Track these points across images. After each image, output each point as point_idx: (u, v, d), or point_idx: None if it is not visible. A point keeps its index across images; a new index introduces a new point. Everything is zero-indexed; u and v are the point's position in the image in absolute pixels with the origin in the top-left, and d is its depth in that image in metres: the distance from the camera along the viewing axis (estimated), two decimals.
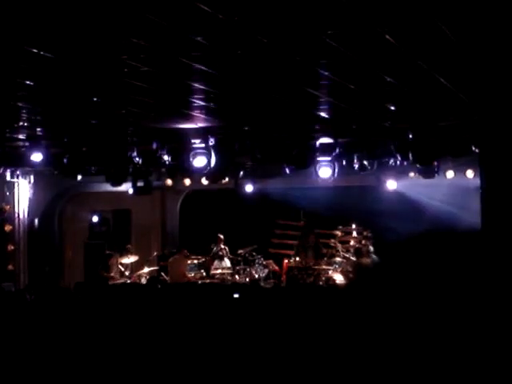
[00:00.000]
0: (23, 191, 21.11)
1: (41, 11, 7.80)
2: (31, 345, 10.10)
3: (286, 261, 20.26)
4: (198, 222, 22.57)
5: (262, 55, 9.73)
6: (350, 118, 14.85)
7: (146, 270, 20.53)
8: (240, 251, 20.72)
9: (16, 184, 20.87)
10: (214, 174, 18.78)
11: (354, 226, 21.09)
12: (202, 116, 14.43)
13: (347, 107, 13.48)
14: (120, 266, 20.70)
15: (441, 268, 1.61)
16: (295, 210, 21.37)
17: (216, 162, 16.05)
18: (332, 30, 8.59)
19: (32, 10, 7.72)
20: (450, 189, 19.02)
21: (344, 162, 16.74)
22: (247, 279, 19.96)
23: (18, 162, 17.81)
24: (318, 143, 16.17)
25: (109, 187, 18.81)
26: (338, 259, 19.91)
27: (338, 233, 21.01)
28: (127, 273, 20.70)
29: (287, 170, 17.06)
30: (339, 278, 18.88)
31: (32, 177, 21.00)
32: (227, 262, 20.88)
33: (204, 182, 20.22)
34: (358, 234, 20.97)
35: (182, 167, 17.40)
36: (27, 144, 16.62)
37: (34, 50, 9.22)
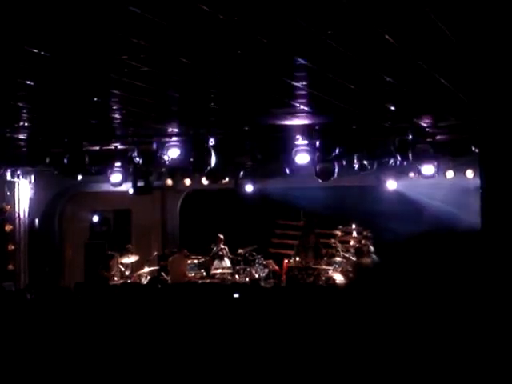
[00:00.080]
0: (24, 191, 21.12)
1: (41, 11, 7.80)
2: (31, 344, 10.11)
3: (286, 261, 20.27)
4: (198, 222, 22.58)
5: (262, 55, 9.74)
6: (350, 118, 14.85)
7: (147, 269, 20.55)
8: (240, 251, 20.73)
9: (16, 184, 20.88)
10: (214, 174, 18.79)
11: (353, 226, 21.10)
12: (202, 116, 14.44)
13: (347, 107, 13.49)
14: (120, 266, 20.71)
15: (441, 268, 1.61)
16: (295, 209, 21.38)
17: (216, 162, 16.08)
18: (332, 30, 8.60)
19: (32, 10, 7.73)
20: (450, 189, 19.03)
21: (344, 162, 16.74)
22: (247, 279, 19.97)
23: (19, 162, 17.82)
24: (317, 143, 16.10)
25: (109, 187, 18.82)
26: (337, 259, 19.92)
27: (338, 233, 21.02)
28: (127, 273, 20.71)
29: (287, 170, 17.07)
30: (339, 278, 18.89)
31: (32, 177, 21.01)
32: (227, 262, 20.89)
33: (204, 181, 20.22)
34: (357, 233, 20.98)
35: (182, 167, 17.48)
36: (27, 144, 16.63)
37: (34, 50, 9.23)
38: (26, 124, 15.06)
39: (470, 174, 18.40)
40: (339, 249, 20.39)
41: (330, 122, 15.30)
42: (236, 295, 14.80)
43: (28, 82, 11.20)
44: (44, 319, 11.67)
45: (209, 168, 16.53)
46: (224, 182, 20.32)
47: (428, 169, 15.92)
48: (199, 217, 22.74)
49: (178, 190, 22.92)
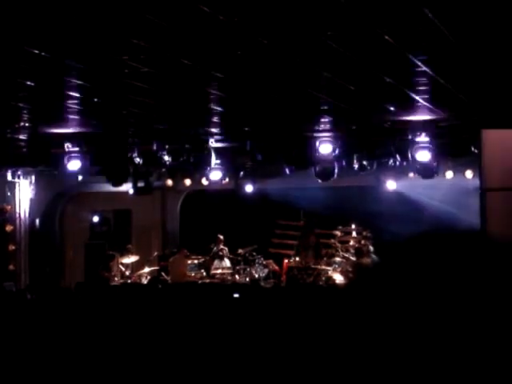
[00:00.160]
0: (24, 191, 21.13)
1: (41, 12, 7.82)
2: (32, 344, 10.12)
3: (286, 261, 20.27)
4: (198, 222, 22.58)
5: (262, 56, 9.76)
6: (350, 119, 14.87)
7: (147, 269, 20.56)
8: (240, 251, 20.73)
9: (17, 184, 20.89)
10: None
11: (353, 226, 21.10)
12: (203, 117, 14.46)
13: (347, 107, 13.50)
14: (121, 266, 20.72)
15: (441, 268, 1.62)
16: (295, 210, 21.38)
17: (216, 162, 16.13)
18: (332, 30, 8.61)
19: (33, 10, 7.75)
20: (449, 189, 19.05)
21: (344, 162, 16.76)
22: (247, 279, 19.98)
23: (19, 163, 17.84)
24: (317, 144, 16.11)
25: (109, 187, 18.83)
26: (337, 259, 19.93)
27: (338, 233, 21.02)
28: (128, 273, 20.72)
29: (287, 171, 17.09)
30: (339, 278, 18.89)
31: (33, 177, 21.02)
32: (227, 262, 20.90)
33: (204, 182, 20.24)
34: (357, 234, 20.98)
35: (182, 167, 17.52)
36: (28, 144, 16.65)
37: (35, 51, 9.24)
38: (26, 124, 15.07)
39: (469, 174, 18.42)
40: (339, 249, 20.40)
41: (330, 122, 15.32)
42: (236, 295, 14.82)
43: (28, 83, 11.21)
44: (45, 319, 11.68)
45: (209, 168, 16.59)
46: (224, 182, 20.35)
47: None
48: (199, 217, 22.75)
49: (178, 191, 22.93)
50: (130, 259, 21.00)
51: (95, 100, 12.64)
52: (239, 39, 8.90)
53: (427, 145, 15.32)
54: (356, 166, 16.71)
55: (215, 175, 17.62)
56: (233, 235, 21.13)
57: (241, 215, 21.80)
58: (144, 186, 19.07)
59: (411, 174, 18.65)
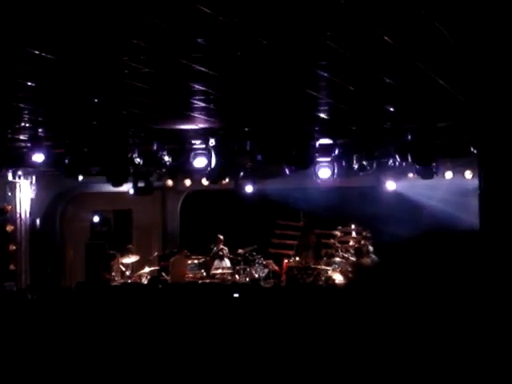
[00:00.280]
0: (25, 191, 21.14)
1: (42, 13, 7.84)
2: (33, 344, 10.13)
3: (286, 261, 20.27)
4: (198, 222, 22.58)
5: (262, 57, 9.77)
6: (350, 119, 14.88)
7: (147, 269, 20.56)
8: (240, 251, 20.73)
9: (18, 184, 20.90)
10: (214, 175, 18.82)
11: (353, 227, 21.09)
12: (203, 117, 14.46)
13: (347, 108, 13.51)
14: (121, 266, 20.73)
15: (441, 268, 1.63)
16: (295, 210, 21.38)
17: (216, 163, 16.13)
18: (331, 31, 8.63)
19: (33, 11, 7.77)
20: (449, 189, 19.05)
21: (344, 163, 16.77)
22: (247, 279, 19.97)
23: (20, 163, 17.86)
24: (317, 144, 16.20)
25: (110, 187, 18.85)
26: (337, 259, 19.93)
27: (338, 233, 21.00)
28: (128, 273, 20.72)
29: (287, 171, 17.10)
30: (339, 278, 18.89)
31: (34, 177, 21.03)
32: (227, 262, 20.91)
33: (204, 182, 20.26)
34: (357, 234, 20.96)
35: (182, 168, 17.50)
36: (29, 145, 16.68)
37: (36, 52, 9.27)
38: (27, 125, 15.09)
39: (468, 174, 18.42)
40: (339, 249, 20.39)
41: (330, 123, 15.33)
42: (236, 295, 14.82)
43: (29, 83, 11.23)
44: (45, 319, 11.69)
45: (209, 169, 16.60)
46: (224, 182, 20.36)
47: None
48: (199, 217, 22.75)
49: (179, 191, 22.93)
50: (131, 259, 21.01)
51: (95, 100, 12.66)
52: (239, 40, 8.92)
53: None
54: (356, 166, 16.72)
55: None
56: (233, 235, 21.14)
57: (241, 215, 21.79)
58: (144, 186, 19.08)
59: (411, 175, 18.66)
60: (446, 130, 15.43)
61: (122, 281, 19.94)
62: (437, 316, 1.58)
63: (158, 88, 11.74)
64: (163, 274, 20.61)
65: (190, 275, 20.30)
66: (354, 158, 16.58)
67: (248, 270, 20.37)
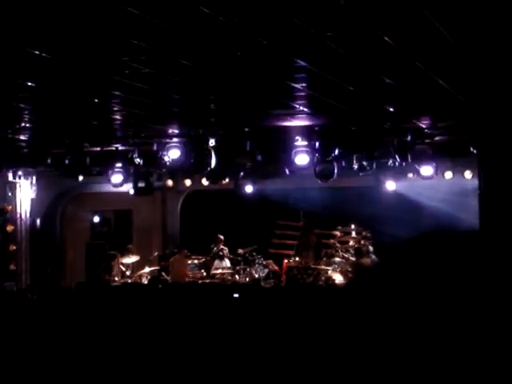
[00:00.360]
0: (25, 192, 21.15)
1: (42, 13, 7.85)
2: (33, 344, 10.14)
3: (286, 261, 20.28)
4: (198, 223, 22.59)
5: (262, 57, 9.78)
6: (350, 119, 14.88)
7: (147, 269, 20.57)
8: (240, 251, 20.73)
9: (18, 184, 20.90)
10: (214, 175, 18.83)
11: (353, 227, 21.09)
12: (203, 117, 14.48)
13: (347, 108, 13.52)
14: (121, 266, 20.74)
15: (441, 268, 1.63)
16: (295, 210, 21.39)
17: (216, 163, 16.15)
18: (331, 32, 8.64)
19: (33, 12, 7.78)
20: (449, 189, 19.06)
21: (343, 163, 16.78)
22: (247, 279, 19.98)
23: (20, 163, 17.87)
24: (317, 144, 16.15)
25: (110, 188, 18.86)
26: (337, 259, 19.93)
27: (338, 233, 21.00)
28: (128, 272, 20.73)
29: (287, 171, 17.11)
30: (339, 278, 18.90)
31: (34, 177, 21.03)
32: (227, 262, 20.91)
33: (204, 182, 20.26)
34: (357, 234, 20.96)
35: (182, 168, 17.59)
36: (29, 145, 16.70)
37: (36, 52, 9.28)
38: (27, 125, 15.10)
39: (468, 174, 18.43)
40: (338, 249, 20.40)
41: (330, 123, 15.33)
42: (236, 295, 14.83)
43: (29, 84, 11.24)
44: (45, 319, 11.70)
45: (209, 169, 16.60)
46: (224, 182, 20.37)
47: (427, 170, 15.93)
48: (199, 217, 22.75)
49: (179, 191, 22.93)
50: (131, 259, 21.02)
51: (95, 100, 12.67)
52: (239, 40, 8.93)
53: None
54: (355, 166, 16.73)
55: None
56: (233, 235, 21.14)
57: (241, 215, 21.80)
58: (144, 187, 19.08)
59: (410, 175, 18.67)
60: (446, 130, 15.44)
61: (123, 281, 19.95)
62: (437, 316, 1.58)
63: (159, 88, 11.75)
64: (163, 273, 20.61)
65: (190, 275, 20.31)
66: (354, 158, 16.59)
67: (248, 270, 20.38)
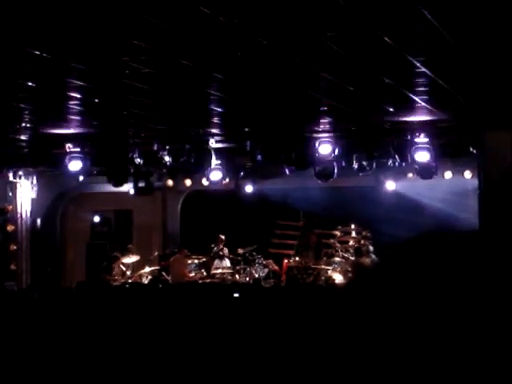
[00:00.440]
0: (25, 191, 21.17)
1: (42, 13, 7.87)
2: (33, 344, 10.14)
3: (286, 261, 20.29)
4: (198, 222, 22.60)
5: (262, 57, 9.79)
6: (350, 120, 14.90)
7: (147, 269, 20.58)
8: (240, 251, 20.75)
9: (18, 184, 20.92)
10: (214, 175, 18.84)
11: (353, 226, 21.10)
12: (203, 117, 14.49)
13: (346, 108, 13.53)
14: (122, 266, 20.75)
15: (441, 268, 1.63)
16: (295, 210, 21.40)
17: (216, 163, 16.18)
18: (331, 32, 8.65)
19: (34, 12, 7.79)
20: (448, 189, 19.08)
21: (343, 163, 16.80)
22: (247, 279, 20.00)
23: (21, 163, 17.89)
24: (317, 144, 16.17)
25: (110, 188, 18.89)
26: (337, 259, 19.94)
27: (337, 233, 21.00)
28: (129, 272, 20.75)
29: (287, 171, 17.13)
30: (338, 278, 18.91)
31: (34, 177, 21.05)
32: (227, 262, 20.92)
33: (204, 182, 20.28)
34: (357, 233, 20.97)
35: (182, 168, 17.58)
36: (29, 145, 16.71)
37: (36, 52, 9.29)
38: (27, 125, 15.11)
39: (467, 174, 18.45)
40: (338, 249, 20.41)
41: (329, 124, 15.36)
42: (236, 295, 14.85)
43: (29, 84, 11.25)
44: (46, 319, 11.71)
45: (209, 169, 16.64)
46: (224, 182, 20.40)
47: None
48: (200, 217, 22.77)
49: (179, 191, 22.95)
50: (131, 259, 21.03)
51: (96, 101, 12.68)
52: (239, 40, 8.94)
53: (426, 145, 15.37)
54: (355, 166, 16.75)
55: (215, 175, 17.62)
56: (233, 235, 21.16)
57: (241, 215, 21.81)
58: (145, 187, 19.11)
59: (410, 175, 18.69)
60: (446, 130, 15.45)
61: (123, 280, 19.96)
62: (437, 316, 1.58)
63: (159, 88, 11.76)
64: (163, 273, 20.63)
65: (191, 275, 20.32)
66: (354, 158, 16.61)
67: (248, 269, 20.39)
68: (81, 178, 18.15)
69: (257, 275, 20.10)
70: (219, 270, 20.66)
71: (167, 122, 15.17)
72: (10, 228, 21.06)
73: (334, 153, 16.12)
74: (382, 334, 1.56)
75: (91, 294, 14.88)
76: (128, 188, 19.24)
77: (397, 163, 16.45)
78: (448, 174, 18.63)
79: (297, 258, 20.17)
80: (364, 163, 16.63)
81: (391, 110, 13.75)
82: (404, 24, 8.42)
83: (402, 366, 1.54)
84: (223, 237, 21.05)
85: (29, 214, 21.45)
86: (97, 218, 23.53)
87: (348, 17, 8.03)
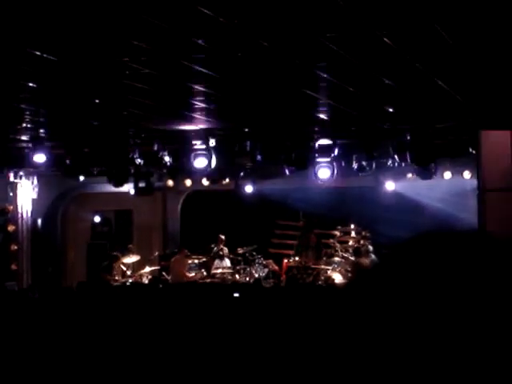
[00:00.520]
0: (26, 192, 21.18)
1: (43, 14, 7.89)
2: (34, 344, 10.16)
3: (286, 260, 20.30)
4: (198, 222, 22.62)
5: (262, 58, 9.81)
6: (349, 120, 14.91)
7: (148, 269, 20.59)
8: (240, 251, 20.75)
9: (19, 185, 20.93)
10: (214, 175, 18.89)
11: (352, 226, 21.10)
12: (203, 118, 14.50)
13: (346, 109, 13.55)
14: (122, 266, 20.76)
15: (441, 268, 1.64)
16: (295, 210, 21.41)
17: (216, 163, 16.19)
18: (331, 32, 8.67)
19: (35, 12, 7.81)
20: (448, 189, 19.10)
21: (343, 163, 16.83)
22: (247, 279, 20.01)
23: (21, 163, 17.91)
24: (317, 145, 16.28)
25: (111, 188, 18.91)
26: (336, 259, 19.95)
27: (337, 233, 21.00)
28: (129, 272, 20.75)
29: (287, 171, 17.15)
30: (338, 278, 18.92)
31: (35, 178, 21.07)
32: (227, 262, 20.93)
33: (205, 182, 20.29)
34: (356, 234, 20.97)
35: (183, 168, 17.54)
36: (30, 145, 16.73)
37: (37, 53, 9.31)
38: (28, 126, 15.13)
39: (467, 174, 18.47)
40: (338, 249, 20.41)
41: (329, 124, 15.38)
42: (236, 295, 14.86)
43: (31, 84, 11.27)
44: (47, 319, 11.72)
45: (209, 169, 16.64)
46: (224, 182, 20.43)
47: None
48: (200, 217, 22.78)
49: (179, 191, 22.95)
50: (131, 259, 21.04)
51: (96, 101, 12.70)
52: (239, 41, 8.96)
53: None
54: (355, 166, 16.78)
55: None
56: (233, 235, 21.17)
57: (241, 215, 21.83)
58: (145, 187, 19.12)
59: (410, 175, 18.71)
60: (445, 131, 15.47)
61: (123, 280, 19.98)
62: (437, 316, 1.59)
63: (159, 89, 11.78)
64: (164, 273, 20.63)
65: (191, 275, 20.33)
66: (354, 158, 16.64)
67: (248, 269, 20.39)
68: (81, 178, 18.23)
69: (257, 275, 20.11)
70: (219, 270, 20.67)
71: (168, 123, 15.18)
72: (11, 228, 21.08)
73: (333, 153, 16.29)
74: (382, 333, 1.57)
75: (92, 294, 14.90)
76: (128, 188, 19.25)
77: (396, 163, 16.47)
78: (447, 175, 18.64)
79: (297, 258, 20.18)
80: (364, 163, 16.65)
81: (391, 110, 13.77)
82: (404, 24, 8.44)
83: (402, 366, 1.54)
84: (223, 237, 21.06)
85: (29, 214, 21.47)
86: (97, 218, 23.54)
87: (347, 17, 8.05)
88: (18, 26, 8.28)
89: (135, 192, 19.35)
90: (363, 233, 20.50)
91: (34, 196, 21.31)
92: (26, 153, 16.93)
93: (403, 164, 16.40)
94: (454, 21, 8.29)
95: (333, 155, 16.27)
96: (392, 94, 12.09)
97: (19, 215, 21.19)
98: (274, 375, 7.38)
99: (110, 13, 7.82)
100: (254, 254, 20.62)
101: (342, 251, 20.28)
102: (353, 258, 19.55)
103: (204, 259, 20.93)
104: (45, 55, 9.39)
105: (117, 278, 20.17)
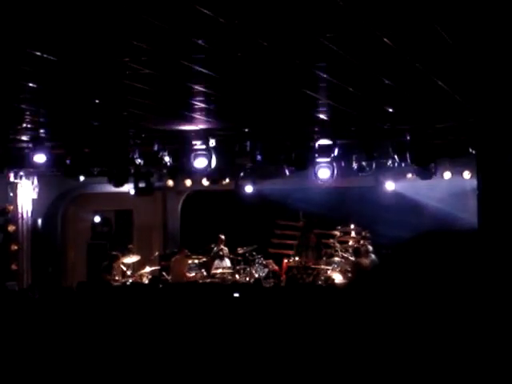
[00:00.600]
0: (26, 192, 21.19)
1: (43, 14, 7.89)
2: (34, 344, 10.16)
3: (286, 260, 20.30)
4: (198, 223, 22.61)
5: (262, 58, 9.82)
6: (349, 120, 14.92)
7: (148, 269, 20.59)
8: (240, 251, 20.75)
9: (19, 185, 20.93)
10: (214, 175, 18.88)
11: (352, 227, 21.10)
12: (203, 118, 14.50)
13: (346, 109, 13.55)
14: (122, 266, 20.76)
15: (440, 267, 1.64)
16: (295, 210, 21.40)
17: (216, 163, 16.19)
18: (331, 33, 8.68)
19: (35, 13, 7.82)
20: (448, 189, 19.10)
21: (343, 163, 16.84)
22: (247, 279, 20.01)
23: (22, 163, 17.92)
24: (316, 145, 16.29)
25: (111, 188, 18.91)
26: (336, 259, 19.95)
27: (337, 233, 20.99)
28: (129, 272, 20.75)
29: (287, 171, 17.16)
30: (338, 278, 18.93)
31: (35, 178, 21.07)
32: (227, 262, 20.93)
33: (205, 182, 20.29)
34: (356, 234, 20.96)
35: (183, 168, 17.54)
36: (30, 145, 16.74)
37: (37, 53, 9.31)
38: (28, 126, 15.13)
39: (466, 175, 18.47)
40: (338, 249, 20.41)
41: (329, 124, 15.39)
42: (236, 295, 14.87)
43: (31, 84, 11.27)
44: (47, 319, 11.73)
45: (209, 169, 16.64)
46: (224, 182, 20.42)
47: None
48: (200, 217, 22.78)
49: (179, 191, 22.95)
50: (132, 259, 21.04)
51: (96, 101, 12.70)
52: (239, 41, 8.97)
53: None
54: (355, 166, 16.79)
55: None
56: (233, 235, 21.17)
57: (241, 215, 21.82)
58: (145, 187, 19.11)
59: (410, 175, 18.71)
60: (445, 131, 15.47)
61: (123, 280, 19.98)
62: (436, 314, 1.60)
63: (159, 89, 11.78)
64: (164, 273, 20.63)
65: (191, 275, 20.34)
66: (354, 158, 16.65)
67: (248, 269, 20.39)
68: (81, 178, 18.23)
69: (257, 275, 20.11)
70: (219, 270, 20.67)
71: (167, 123, 15.18)
72: (11, 228, 21.09)
73: (333, 153, 16.30)
74: (382, 332, 1.58)
75: (92, 294, 14.91)
76: (128, 188, 19.25)
77: (396, 164, 16.48)
78: (447, 175, 18.64)
79: (296, 258, 20.18)
80: (363, 163, 16.66)
81: (390, 110, 13.78)
82: (403, 25, 8.45)
83: (402, 365, 1.55)
84: (223, 237, 21.06)
85: (30, 215, 21.47)
86: (97, 218, 23.54)
87: (347, 18, 8.05)
88: (18, 26, 8.29)
89: (135, 192, 19.34)
90: (363, 233, 20.49)
91: (34, 196, 21.31)
92: (26, 153, 16.93)
93: (403, 164, 16.41)
94: (454, 21, 8.30)
95: (333, 155, 16.27)
96: (392, 94, 12.09)
97: (19, 215, 21.20)
98: (275, 375, 7.39)
99: (110, 13, 7.83)
100: (254, 254, 20.62)
101: (341, 251, 20.28)
102: (353, 258, 19.55)
103: (204, 259, 20.93)
104: (45, 55, 9.40)
105: (117, 277, 20.17)
